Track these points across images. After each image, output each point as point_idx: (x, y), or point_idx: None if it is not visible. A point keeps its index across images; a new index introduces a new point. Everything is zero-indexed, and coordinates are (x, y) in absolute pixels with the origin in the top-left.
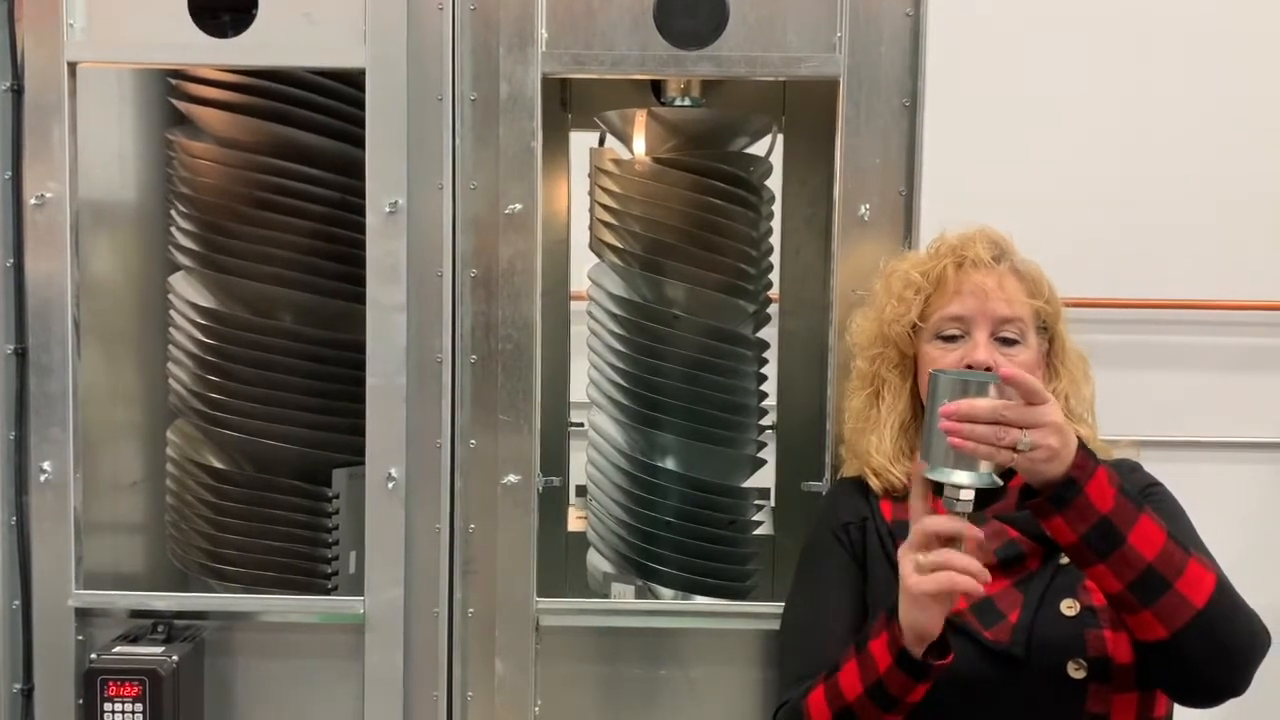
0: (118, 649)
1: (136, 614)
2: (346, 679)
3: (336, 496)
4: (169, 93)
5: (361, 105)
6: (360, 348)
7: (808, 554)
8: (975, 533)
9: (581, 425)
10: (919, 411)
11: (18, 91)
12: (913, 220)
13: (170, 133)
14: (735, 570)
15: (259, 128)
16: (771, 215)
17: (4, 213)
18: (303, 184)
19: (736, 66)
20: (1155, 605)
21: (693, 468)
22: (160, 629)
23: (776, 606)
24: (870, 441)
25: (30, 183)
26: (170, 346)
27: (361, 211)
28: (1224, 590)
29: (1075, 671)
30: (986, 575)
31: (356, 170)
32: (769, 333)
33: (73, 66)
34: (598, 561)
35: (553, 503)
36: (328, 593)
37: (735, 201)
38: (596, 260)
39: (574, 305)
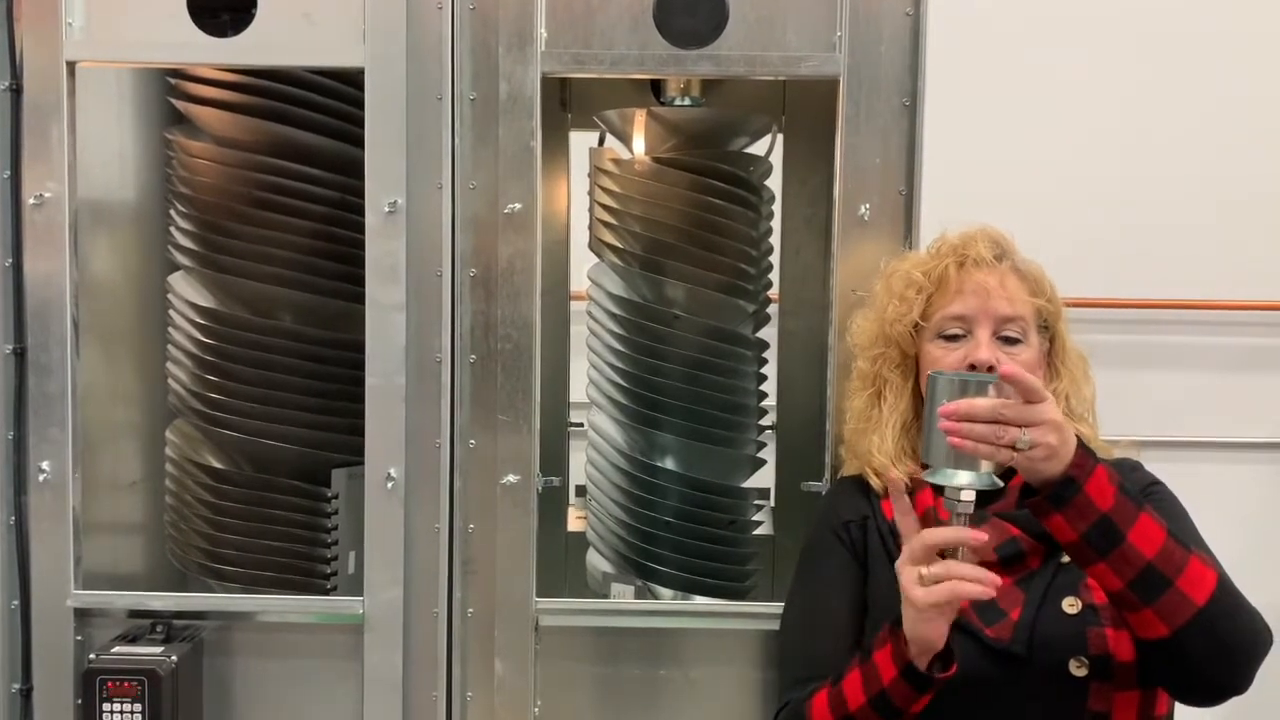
0: (116, 649)
1: (135, 614)
2: (346, 679)
3: (336, 496)
4: (168, 92)
5: (360, 105)
6: (359, 347)
7: (808, 553)
8: (979, 537)
9: (581, 425)
10: (920, 411)
11: (17, 91)
12: (913, 220)
13: (169, 132)
14: (735, 570)
15: (258, 127)
16: (771, 215)
17: (3, 212)
18: (302, 184)
19: (736, 66)
20: (1156, 603)
21: (692, 468)
22: (159, 629)
23: (776, 607)
24: (872, 442)
25: (29, 182)
26: (169, 346)
27: (361, 211)
28: (1225, 588)
29: (1077, 669)
30: (996, 580)
31: (356, 170)
32: (769, 333)
33: (72, 66)
34: (597, 561)
35: (552, 503)
36: (327, 593)
37: (735, 201)
38: (596, 260)
39: (574, 305)
